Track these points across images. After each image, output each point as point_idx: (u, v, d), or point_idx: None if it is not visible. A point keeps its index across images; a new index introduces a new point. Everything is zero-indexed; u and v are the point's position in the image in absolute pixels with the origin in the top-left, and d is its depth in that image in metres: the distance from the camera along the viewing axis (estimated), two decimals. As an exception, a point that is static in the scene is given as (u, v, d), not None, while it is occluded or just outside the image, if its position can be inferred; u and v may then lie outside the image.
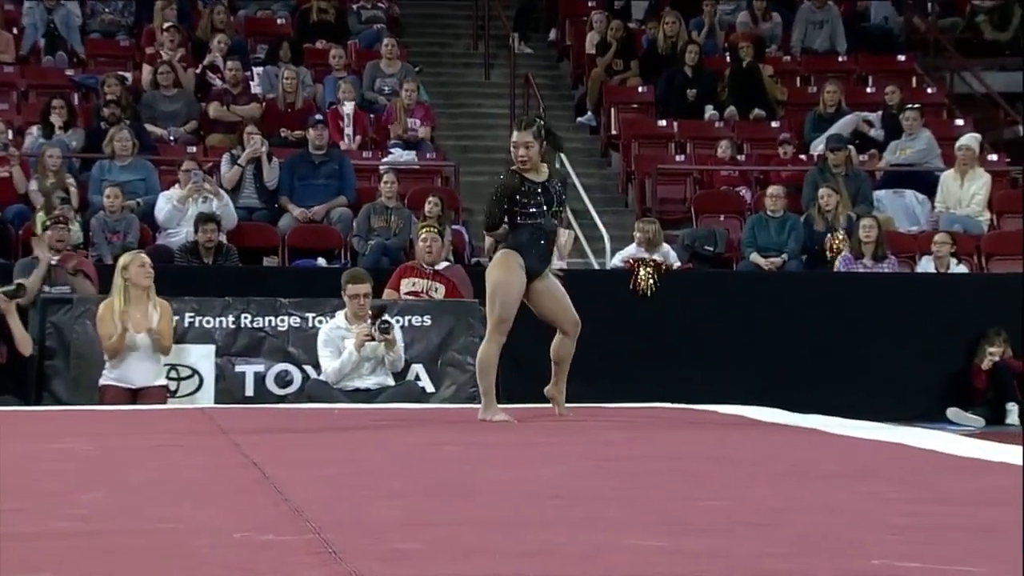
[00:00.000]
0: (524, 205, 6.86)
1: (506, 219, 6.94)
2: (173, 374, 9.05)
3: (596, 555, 2.93)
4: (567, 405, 7.55)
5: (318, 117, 12.08)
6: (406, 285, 9.75)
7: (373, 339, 8.49)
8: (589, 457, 5.32)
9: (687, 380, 9.89)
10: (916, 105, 13.17)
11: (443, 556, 2.93)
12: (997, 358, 10.47)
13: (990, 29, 16.06)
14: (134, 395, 8.68)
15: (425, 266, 9.82)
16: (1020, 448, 5.16)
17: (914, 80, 14.78)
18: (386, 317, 8.59)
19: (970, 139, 12.30)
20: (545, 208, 6.89)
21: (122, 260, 8.80)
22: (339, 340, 8.66)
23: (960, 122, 13.60)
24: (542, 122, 7.06)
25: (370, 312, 8.60)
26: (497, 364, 7.06)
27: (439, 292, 9.77)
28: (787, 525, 3.41)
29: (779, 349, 10.49)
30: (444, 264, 10.03)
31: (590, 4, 15.73)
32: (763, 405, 8.18)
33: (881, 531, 3.30)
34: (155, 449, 5.52)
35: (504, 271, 6.90)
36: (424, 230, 9.88)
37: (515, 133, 6.90)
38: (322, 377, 8.74)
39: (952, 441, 5.81)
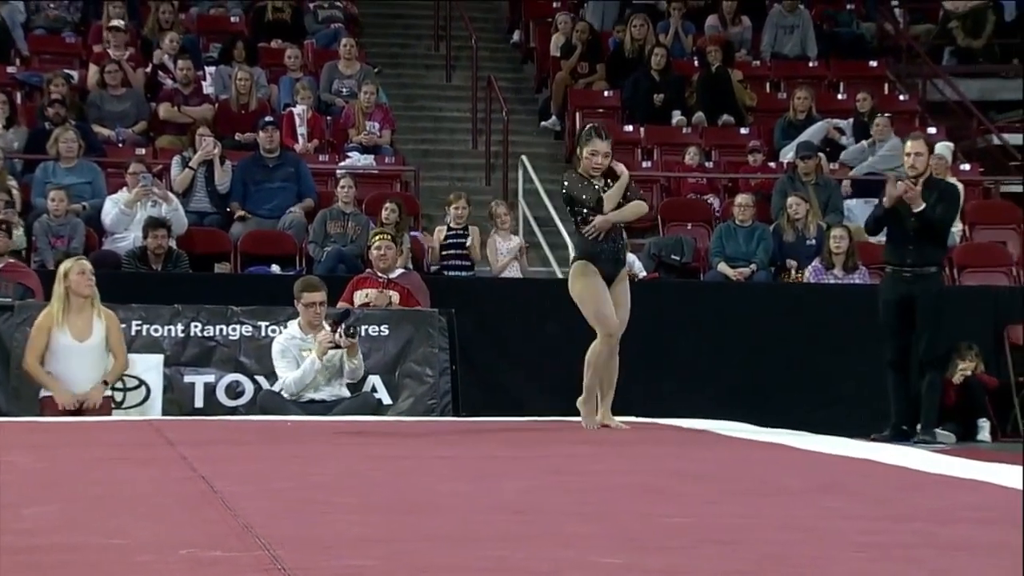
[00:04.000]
0: (594, 210, 7.22)
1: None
2: (119, 384, 8.85)
3: (555, 572, 2.92)
4: (533, 418, 7.62)
5: (268, 119, 11.79)
6: (359, 298, 9.49)
7: (338, 346, 8.19)
8: (549, 471, 5.31)
9: (653, 393, 9.71)
10: (886, 114, 12.98)
11: (397, 573, 2.90)
12: (968, 373, 10.27)
13: (963, 36, 15.93)
14: (78, 405, 8.35)
15: (379, 275, 9.55)
16: (996, 467, 5.20)
17: (886, 87, 14.61)
18: (352, 320, 8.33)
19: (943, 148, 12.13)
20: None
21: (63, 267, 8.50)
22: (296, 350, 8.48)
23: (933, 130, 13.42)
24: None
25: (331, 320, 8.35)
26: (606, 365, 7.30)
27: (394, 300, 9.50)
28: (750, 542, 3.38)
29: (747, 361, 10.30)
30: (399, 271, 9.78)
31: (555, 5, 15.48)
32: (731, 419, 8.07)
33: (845, 548, 3.29)
34: (99, 462, 5.47)
35: (581, 281, 7.26)
36: (377, 237, 9.69)
37: (596, 141, 7.25)
38: (281, 389, 8.53)
39: (921, 457, 5.82)
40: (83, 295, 8.40)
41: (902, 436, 8.66)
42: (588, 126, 7.58)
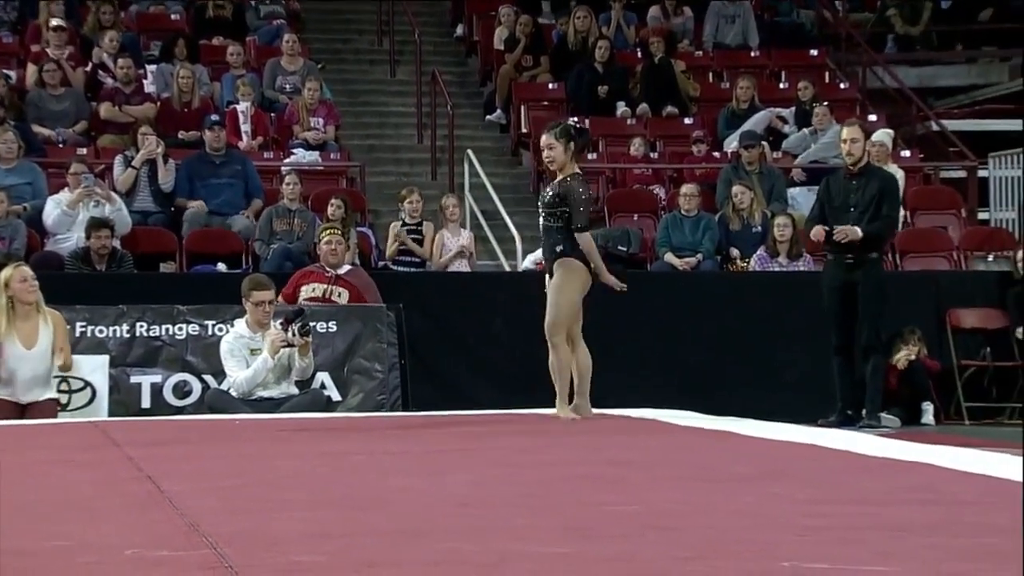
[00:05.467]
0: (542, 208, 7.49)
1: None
2: (64, 386, 8.83)
3: (502, 563, 2.92)
4: (482, 412, 7.63)
5: (214, 118, 11.70)
6: (306, 291, 9.46)
7: (291, 345, 8.15)
8: (498, 464, 5.33)
9: (601, 384, 9.68)
10: (825, 103, 13.09)
11: (345, 568, 2.89)
12: (912, 357, 10.36)
13: (901, 23, 16.09)
14: (22, 410, 8.33)
15: (328, 270, 9.52)
16: (939, 449, 5.16)
17: (827, 75, 14.73)
18: (305, 319, 8.30)
19: (883, 135, 12.23)
20: (542, 210, 7.47)
21: (3, 275, 8.41)
22: (244, 349, 8.40)
23: (873, 117, 13.55)
24: (571, 123, 7.55)
25: (282, 318, 8.30)
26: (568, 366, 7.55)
27: (343, 297, 9.48)
28: (695, 528, 3.43)
29: (694, 350, 10.36)
30: (346, 268, 9.74)
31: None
32: (679, 408, 8.10)
33: (790, 532, 3.33)
34: (43, 465, 5.43)
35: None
36: (326, 232, 9.66)
37: (542, 138, 7.43)
38: (230, 388, 8.47)
39: (865, 441, 5.87)
40: (27, 302, 8.31)
41: (848, 421, 8.76)
42: None
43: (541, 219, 7.55)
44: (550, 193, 7.45)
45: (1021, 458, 4.73)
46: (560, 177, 7.40)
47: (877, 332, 8.96)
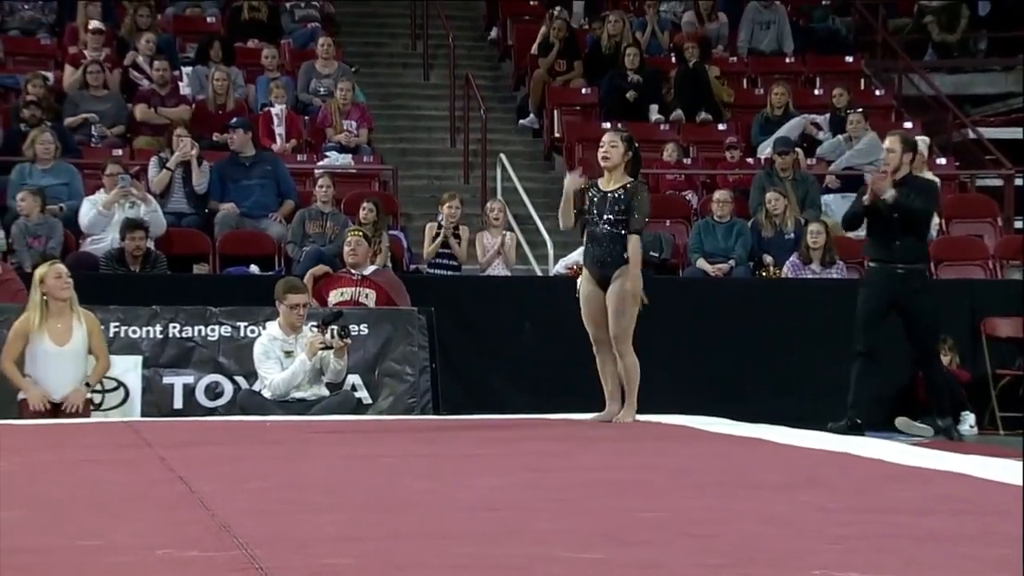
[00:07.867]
0: (587, 212, 7.43)
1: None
2: (97, 386, 8.75)
3: (529, 568, 2.91)
4: (512, 416, 7.66)
5: (234, 120, 11.73)
6: (334, 296, 9.48)
7: (330, 347, 8.17)
8: (526, 468, 5.30)
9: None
10: (859, 109, 13.03)
11: (374, 571, 2.90)
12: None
13: (938, 31, 16.01)
14: (55, 408, 8.34)
15: (353, 272, 9.54)
16: (973, 459, 5.27)
17: (862, 82, 14.67)
18: (344, 322, 8.39)
19: (919, 142, 12.12)
20: (598, 216, 7.35)
21: (38, 272, 8.45)
22: (279, 351, 8.40)
23: (909, 125, 13.47)
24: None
25: (319, 321, 8.35)
26: (606, 371, 7.65)
27: (370, 298, 9.49)
28: (725, 535, 3.39)
29: (726, 357, 10.32)
30: (371, 268, 9.75)
31: (532, 3, 15.48)
32: (710, 414, 8.08)
33: (820, 541, 3.30)
34: (76, 464, 5.44)
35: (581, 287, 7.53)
36: (350, 233, 9.66)
37: (606, 134, 7.54)
38: (265, 389, 8.46)
39: (897, 450, 5.84)
40: (61, 299, 8.36)
41: (855, 429, 8.59)
42: None
43: (597, 224, 7.39)
44: (611, 197, 7.37)
45: (1021, 464, 4.71)
46: (619, 183, 7.37)
47: (934, 341, 8.89)
